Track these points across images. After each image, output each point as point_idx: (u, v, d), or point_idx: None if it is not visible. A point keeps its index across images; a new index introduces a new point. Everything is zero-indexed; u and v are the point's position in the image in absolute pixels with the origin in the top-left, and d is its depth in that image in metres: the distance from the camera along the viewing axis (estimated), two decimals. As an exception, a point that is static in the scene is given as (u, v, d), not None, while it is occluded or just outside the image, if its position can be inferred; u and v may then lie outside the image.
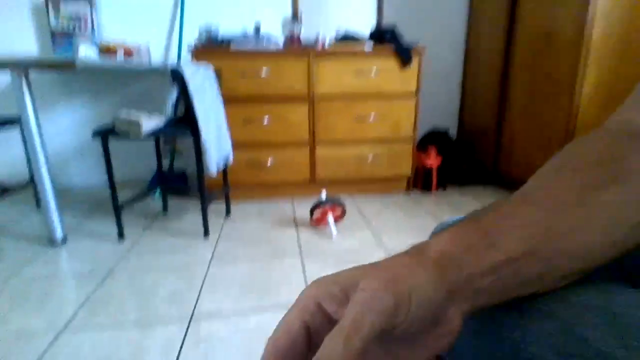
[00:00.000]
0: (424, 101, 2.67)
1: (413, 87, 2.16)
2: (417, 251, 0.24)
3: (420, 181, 2.39)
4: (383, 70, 2.11)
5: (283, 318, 0.23)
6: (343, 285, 0.23)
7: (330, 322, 0.22)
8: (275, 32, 2.42)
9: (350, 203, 2.15)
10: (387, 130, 2.21)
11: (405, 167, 2.29)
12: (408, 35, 2.42)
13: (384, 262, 0.24)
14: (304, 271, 1.40)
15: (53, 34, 2.29)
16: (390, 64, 2.11)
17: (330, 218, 1.76)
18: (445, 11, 2.63)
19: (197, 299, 1.23)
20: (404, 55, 2.08)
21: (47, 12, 2.26)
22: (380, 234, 1.74)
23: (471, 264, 0.23)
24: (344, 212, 1.83)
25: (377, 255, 1.52)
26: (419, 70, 2.14)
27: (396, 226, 1.84)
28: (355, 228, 1.81)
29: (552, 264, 0.24)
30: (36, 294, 1.27)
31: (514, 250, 0.23)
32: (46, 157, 1.57)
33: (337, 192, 2.28)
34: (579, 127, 1.78)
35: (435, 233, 0.35)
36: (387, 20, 2.56)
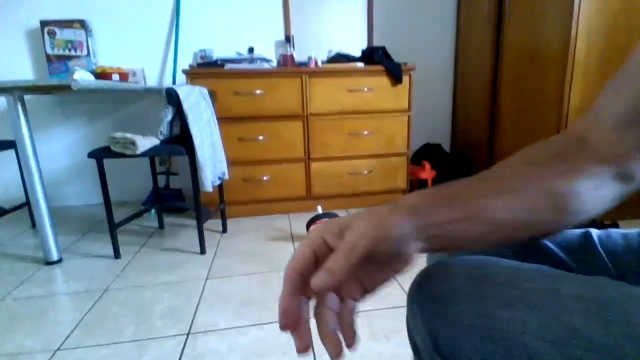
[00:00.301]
0: (416, 117, 2.74)
1: (405, 104, 2.21)
2: (394, 204, 0.32)
3: (415, 195, 2.41)
4: (375, 88, 2.16)
5: (298, 248, 0.32)
6: (340, 226, 0.32)
7: (331, 251, 0.31)
8: (268, 55, 2.49)
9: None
10: (381, 145, 2.25)
11: (401, 181, 2.32)
12: (398, 55, 2.49)
13: (369, 210, 0.32)
14: (301, 285, 1.40)
15: (49, 59, 2.33)
16: (381, 82, 2.16)
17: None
18: (433, 31, 2.72)
19: (194, 315, 1.23)
20: (395, 73, 2.14)
21: (43, 37, 2.30)
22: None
23: (429, 216, 0.31)
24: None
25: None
26: (410, 88, 2.19)
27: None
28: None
29: (484, 230, 0.33)
30: (32, 314, 1.26)
31: (458, 212, 0.32)
32: (41, 178, 1.58)
33: (332, 207, 2.30)
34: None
35: (423, 280, 0.40)
36: (377, 42, 2.65)
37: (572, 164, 0.36)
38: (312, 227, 1.79)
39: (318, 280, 0.29)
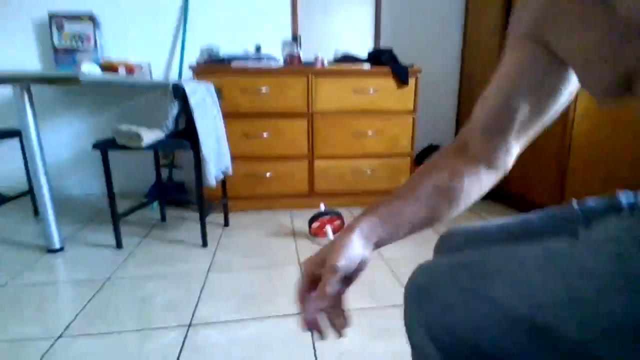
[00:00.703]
0: (421, 118, 2.74)
1: (410, 106, 2.22)
2: (349, 230, 0.47)
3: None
4: (381, 89, 2.17)
5: (299, 278, 0.48)
6: (321, 257, 0.46)
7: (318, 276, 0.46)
8: (275, 53, 2.49)
9: (349, 215, 2.17)
10: (385, 145, 2.25)
11: (404, 181, 2.32)
12: (405, 57, 2.50)
13: (335, 240, 0.47)
14: (301, 281, 1.41)
15: (56, 51, 2.34)
16: (387, 83, 2.17)
17: (329, 230, 1.77)
18: (440, 34, 2.73)
19: (195, 308, 1.23)
20: (401, 75, 2.15)
21: (50, 29, 2.31)
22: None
23: (372, 235, 0.47)
24: (342, 225, 1.85)
25: (377, 265, 1.52)
26: (415, 90, 2.20)
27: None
28: (352, 241, 1.82)
29: (407, 230, 0.49)
30: (34, 301, 1.27)
31: (389, 228, 0.48)
32: (45, 168, 1.59)
33: (335, 205, 2.31)
34: (572, 145, 1.83)
35: (442, 239, 0.59)
36: (384, 44, 2.66)
37: (459, 165, 0.50)
38: (314, 225, 1.80)
39: (321, 304, 0.46)
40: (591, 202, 0.51)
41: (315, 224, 1.79)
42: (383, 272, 1.49)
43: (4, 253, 1.64)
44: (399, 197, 0.50)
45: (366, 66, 2.17)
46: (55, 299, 1.28)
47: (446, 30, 2.73)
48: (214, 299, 1.29)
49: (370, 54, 2.31)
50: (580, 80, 0.40)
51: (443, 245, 0.60)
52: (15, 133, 1.92)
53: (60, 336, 1.08)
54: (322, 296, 0.44)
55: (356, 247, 0.46)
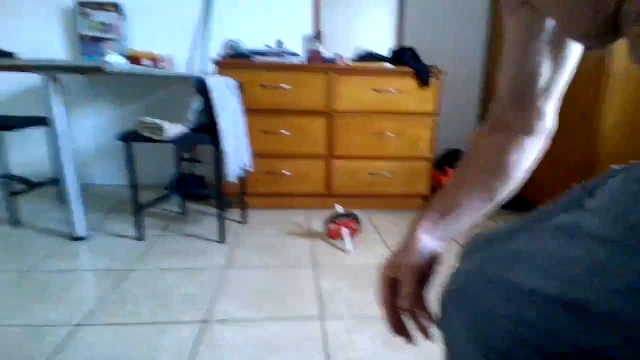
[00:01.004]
0: (442, 121, 2.70)
1: (432, 108, 2.18)
2: (412, 230, 0.51)
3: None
4: (402, 90, 2.14)
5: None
6: (395, 262, 0.50)
7: (396, 279, 0.50)
8: (295, 49, 2.49)
9: (365, 218, 2.17)
10: (405, 148, 2.23)
11: (423, 186, 2.30)
12: (427, 57, 2.46)
13: (403, 243, 0.51)
14: (316, 283, 1.42)
15: (82, 39, 2.38)
16: (409, 84, 2.14)
17: (346, 233, 1.77)
18: (465, 36, 2.67)
19: (211, 304, 1.26)
20: (423, 75, 2.11)
21: (76, 17, 2.35)
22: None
23: (436, 231, 0.51)
24: (359, 227, 1.84)
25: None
26: (438, 92, 2.16)
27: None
28: (370, 243, 1.82)
29: (471, 219, 0.52)
30: (56, 288, 1.31)
31: (451, 221, 0.51)
32: (72, 156, 1.63)
33: (351, 206, 2.29)
34: (604, 152, 1.77)
35: (464, 247, 0.56)
36: (406, 43, 2.62)
37: (499, 141, 0.51)
38: (331, 227, 1.80)
39: (403, 306, 0.50)
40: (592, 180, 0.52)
41: (331, 226, 1.79)
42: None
43: (29, 239, 1.70)
44: (452, 189, 0.53)
45: (388, 65, 2.14)
46: (77, 287, 1.32)
47: (471, 30, 2.67)
48: (229, 296, 1.31)
49: (392, 53, 2.28)
50: (562, 28, 0.42)
51: (466, 252, 0.60)
52: (40, 121, 1.97)
53: (79, 324, 1.12)
54: (404, 297, 0.48)
55: (424, 245, 0.50)
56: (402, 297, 0.48)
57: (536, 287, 0.36)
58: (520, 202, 2.36)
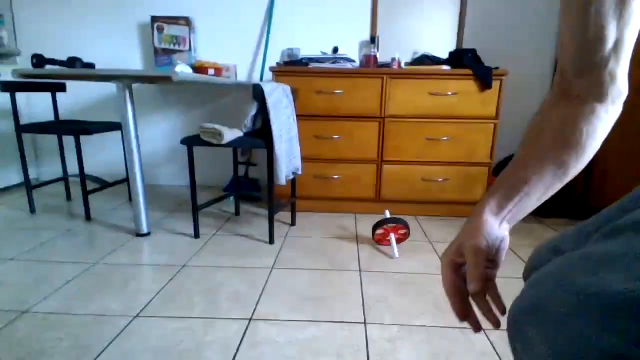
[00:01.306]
0: (503, 126, 2.55)
1: (492, 111, 2.07)
2: (478, 212, 0.49)
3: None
4: (460, 93, 2.05)
5: (442, 271, 0.51)
6: (458, 246, 0.49)
7: (460, 264, 0.49)
8: (353, 55, 2.50)
9: (415, 224, 2.10)
10: (461, 153, 2.13)
11: (479, 193, 2.18)
12: (489, 59, 2.34)
13: (468, 225, 0.49)
14: (361, 288, 1.40)
15: (156, 52, 2.59)
16: (468, 86, 2.05)
17: (393, 238, 1.73)
18: (530, 37, 2.50)
19: (257, 303, 1.29)
20: (484, 78, 2.01)
21: (152, 32, 2.56)
22: (445, 260, 1.66)
23: (502, 212, 0.49)
24: (407, 234, 1.79)
25: (440, 280, 1.45)
26: (499, 94, 2.04)
27: (463, 254, 1.75)
28: (418, 250, 1.76)
29: (537, 198, 0.49)
30: (118, 280, 1.43)
31: (517, 200, 0.48)
32: (140, 159, 1.77)
33: (401, 212, 2.25)
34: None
35: (530, 260, 0.51)
36: (467, 44, 2.51)
37: (569, 111, 0.48)
38: (378, 232, 1.77)
39: (472, 289, 0.44)
40: None
41: (379, 231, 1.76)
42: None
43: (98, 234, 1.87)
44: (519, 165, 0.50)
45: (445, 67, 2.07)
46: (137, 280, 1.43)
47: (538, 30, 2.49)
48: (275, 296, 1.33)
49: (451, 55, 2.20)
50: None
51: (532, 266, 0.52)
52: (117, 126, 2.17)
53: (137, 315, 1.20)
54: (473, 280, 0.44)
55: (491, 226, 0.48)
56: (470, 279, 0.44)
57: (623, 290, 0.30)
58: (583, 210, 2.15)
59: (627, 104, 0.49)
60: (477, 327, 0.49)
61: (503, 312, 0.46)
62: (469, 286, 0.45)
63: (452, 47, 2.53)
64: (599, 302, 0.32)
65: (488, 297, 0.48)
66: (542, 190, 0.48)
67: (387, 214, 1.86)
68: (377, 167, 2.18)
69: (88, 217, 2.05)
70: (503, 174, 0.51)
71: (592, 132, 0.47)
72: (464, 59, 2.10)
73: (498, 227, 0.48)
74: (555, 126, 0.48)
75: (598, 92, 0.46)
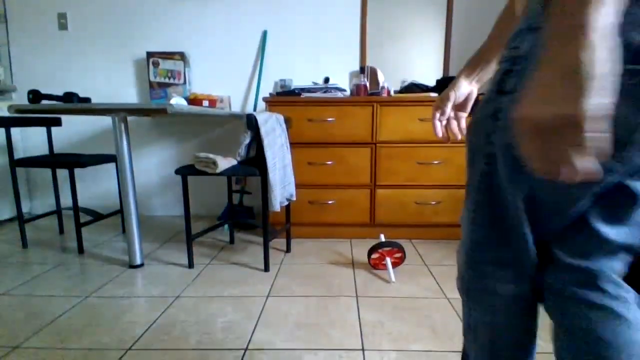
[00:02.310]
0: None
1: (480, 134, 2.12)
2: (456, 76, 0.77)
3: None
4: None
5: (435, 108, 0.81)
6: (442, 96, 0.78)
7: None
8: (344, 85, 2.58)
9: (411, 248, 2.10)
10: (452, 176, 2.17)
11: (471, 216, 2.20)
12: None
13: (450, 84, 0.77)
14: (358, 313, 1.38)
15: (151, 85, 2.65)
16: (456, 111, 2.10)
17: (389, 262, 1.73)
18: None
19: (253, 332, 1.27)
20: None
21: (148, 66, 2.63)
22: (443, 281, 1.66)
23: (471, 73, 0.76)
24: (403, 257, 1.79)
25: (437, 303, 1.45)
26: (486, 118, 2.10)
27: (459, 277, 1.75)
28: (415, 274, 1.75)
29: (489, 64, 0.75)
30: (110, 313, 1.40)
31: (481, 66, 0.76)
32: (134, 190, 1.78)
33: (396, 236, 2.25)
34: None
35: None
36: (453, 73, 2.60)
37: (511, 14, 0.70)
38: (373, 256, 1.76)
39: (444, 111, 0.79)
40: None
41: (374, 255, 1.76)
42: (447, 312, 1.40)
43: (91, 267, 1.85)
44: (483, 47, 0.76)
45: (433, 94, 2.13)
46: (130, 312, 1.40)
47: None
48: (271, 324, 1.32)
49: (438, 82, 2.27)
50: None
51: None
52: (111, 158, 2.19)
53: (129, 348, 1.18)
54: (445, 107, 0.77)
55: (460, 84, 0.76)
56: (443, 107, 0.77)
57: None
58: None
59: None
60: (447, 138, 0.82)
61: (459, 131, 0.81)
62: (443, 111, 0.78)
63: (439, 74, 2.61)
64: None
65: (455, 127, 0.81)
66: (496, 59, 0.73)
67: (382, 238, 1.86)
68: (371, 191, 2.20)
69: (81, 250, 2.03)
70: (474, 54, 0.76)
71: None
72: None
73: (468, 84, 0.76)
74: (506, 18, 0.71)
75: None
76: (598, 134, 0.32)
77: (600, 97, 0.31)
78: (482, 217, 0.57)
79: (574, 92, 0.32)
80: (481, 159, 0.55)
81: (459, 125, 0.80)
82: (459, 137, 0.80)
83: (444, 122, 0.79)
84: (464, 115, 0.79)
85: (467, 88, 0.76)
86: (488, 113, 0.53)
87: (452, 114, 0.80)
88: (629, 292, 0.46)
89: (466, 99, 0.77)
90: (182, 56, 2.61)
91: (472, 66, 0.75)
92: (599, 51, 0.31)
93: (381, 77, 2.55)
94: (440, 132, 0.79)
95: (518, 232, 0.52)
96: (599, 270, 0.47)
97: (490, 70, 0.74)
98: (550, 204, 0.49)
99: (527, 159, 0.37)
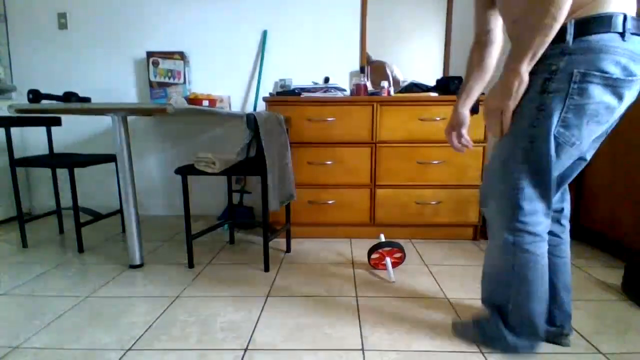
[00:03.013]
0: (490, 149, 2.59)
1: (481, 135, 2.12)
2: (454, 108, 1.26)
3: (488, 231, 2.27)
4: (449, 118, 2.10)
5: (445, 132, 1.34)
6: (450, 124, 1.30)
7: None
8: (344, 85, 2.57)
9: (411, 248, 2.10)
10: (452, 176, 2.17)
11: (472, 215, 2.20)
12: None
13: (452, 115, 1.27)
14: (358, 314, 1.38)
15: (151, 85, 2.65)
16: (456, 111, 2.10)
17: (389, 262, 1.73)
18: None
19: (253, 332, 1.27)
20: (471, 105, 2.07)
21: (148, 66, 2.63)
22: (443, 281, 1.66)
23: (463, 104, 1.24)
24: (403, 257, 1.79)
25: (437, 303, 1.45)
26: (486, 118, 2.10)
27: (462, 274, 1.75)
28: (415, 273, 1.75)
29: (476, 93, 1.24)
30: (110, 313, 1.40)
31: (467, 94, 1.23)
32: (134, 189, 1.78)
33: (396, 236, 2.25)
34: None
35: None
36: (453, 72, 2.60)
37: (480, 52, 1.19)
38: (373, 256, 1.76)
39: (455, 131, 1.32)
40: None
41: (374, 255, 1.76)
42: (447, 312, 1.40)
43: (91, 267, 1.85)
44: (468, 81, 1.20)
45: (433, 94, 2.13)
46: (130, 312, 1.40)
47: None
48: (271, 325, 1.32)
49: (438, 82, 2.27)
50: None
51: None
52: (111, 158, 2.19)
53: (129, 348, 1.17)
54: (452, 131, 1.27)
55: (461, 112, 1.23)
56: (459, 130, 1.26)
57: None
58: (581, 232, 2.18)
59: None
60: (460, 150, 1.30)
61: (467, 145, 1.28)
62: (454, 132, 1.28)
63: (439, 74, 2.61)
64: None
65: (464, 140, 1.28)
66: (478, 86, 1.19)
67: (382, 238, 1.86)
68: (371, 191, 2.20)
69: (80, 250, 2.03)
70: (462, 86, 1.21)
71: (488, 57, 1.17)
72: (450, 86, 2.17)
73: (463, 113, 1.22)
74: (475, 58, 1.18)
75: (489, 41, 1.16)
76: (508, 115, 0.94)
77: (511, 100, 0.92)
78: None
79: (503, 95, 0.92)
80: (526, 139, 0.94)
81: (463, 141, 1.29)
82: (471, 145, 1.28)
83: (458, 140, 1.28)
84: (462, 133, 1.26)
85: (466, 112, 1.23)
86: (533, 106, 0.90)
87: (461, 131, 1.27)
88: None
89: (463, 125, 1.25)
90: (182, 56, 2.61)
91: (462, 98, 1.21)
92: (517, 81, 0.89)
93: (397, 72, 2.56)
94: (460, 148, 1.29)
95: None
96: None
97: (475, 94, 1.21)
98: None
99: (487, 126, 0.98)
